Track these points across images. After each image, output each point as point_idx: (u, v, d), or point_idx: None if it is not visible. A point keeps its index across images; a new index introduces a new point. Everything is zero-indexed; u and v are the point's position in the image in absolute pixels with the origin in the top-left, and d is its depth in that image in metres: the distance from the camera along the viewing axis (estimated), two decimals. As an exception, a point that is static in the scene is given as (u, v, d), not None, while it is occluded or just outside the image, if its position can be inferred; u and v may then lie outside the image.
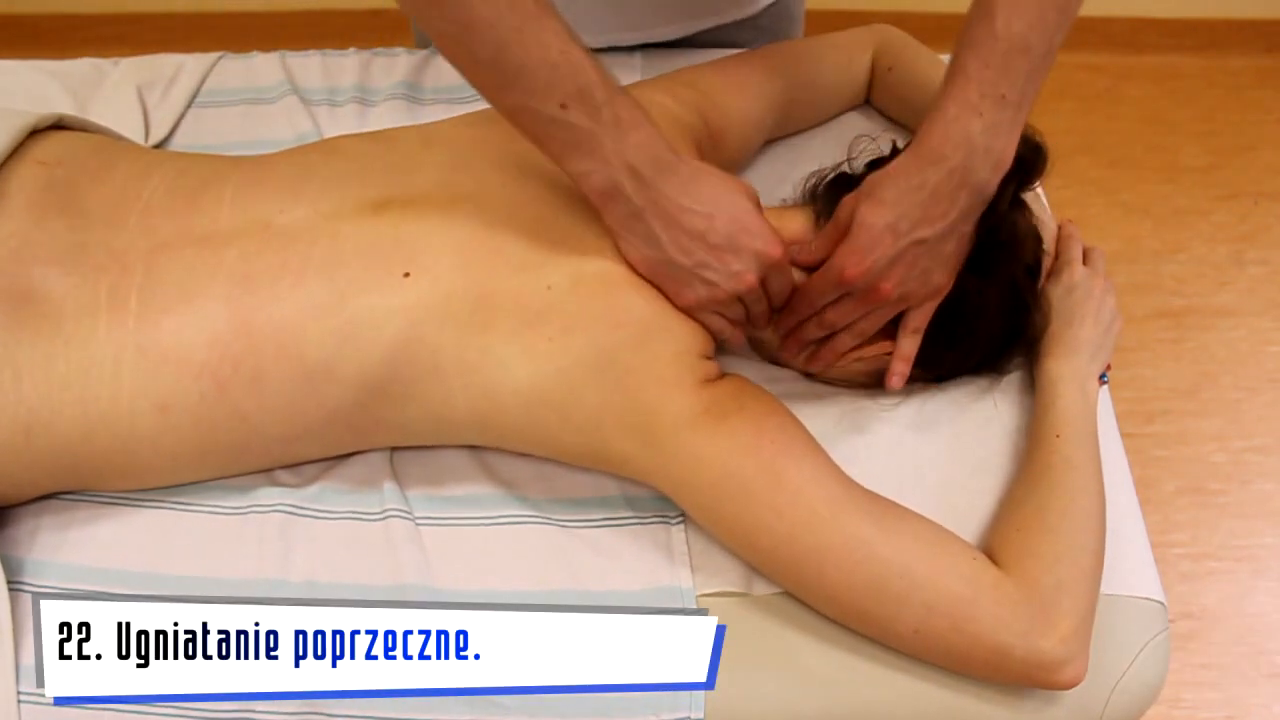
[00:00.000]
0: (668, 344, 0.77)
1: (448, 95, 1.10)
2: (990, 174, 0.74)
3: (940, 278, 0.79)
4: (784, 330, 0.84)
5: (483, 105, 1.07)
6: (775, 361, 0.90)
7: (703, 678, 0.74)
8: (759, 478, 0.73)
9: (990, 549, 0.76)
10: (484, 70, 0.71)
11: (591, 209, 0.77)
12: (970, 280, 0.79)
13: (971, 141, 0.73)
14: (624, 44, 1.13)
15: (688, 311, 0.78)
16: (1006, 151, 0.74)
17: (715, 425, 0.74)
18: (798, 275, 0.81)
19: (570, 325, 0.75)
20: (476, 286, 0.74)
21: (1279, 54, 2.22)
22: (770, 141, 1.04)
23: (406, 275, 0.76)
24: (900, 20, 1.06)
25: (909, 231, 0.75)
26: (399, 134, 0.88)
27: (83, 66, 1.12)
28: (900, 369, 0.82)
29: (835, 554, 0.72)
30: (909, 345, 0.81)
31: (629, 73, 1.11)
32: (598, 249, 0.78)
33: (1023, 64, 0.72)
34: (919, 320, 0.81)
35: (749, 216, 0.75)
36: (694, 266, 0.74)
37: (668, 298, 0.77)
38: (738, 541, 0.77)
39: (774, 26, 1.14)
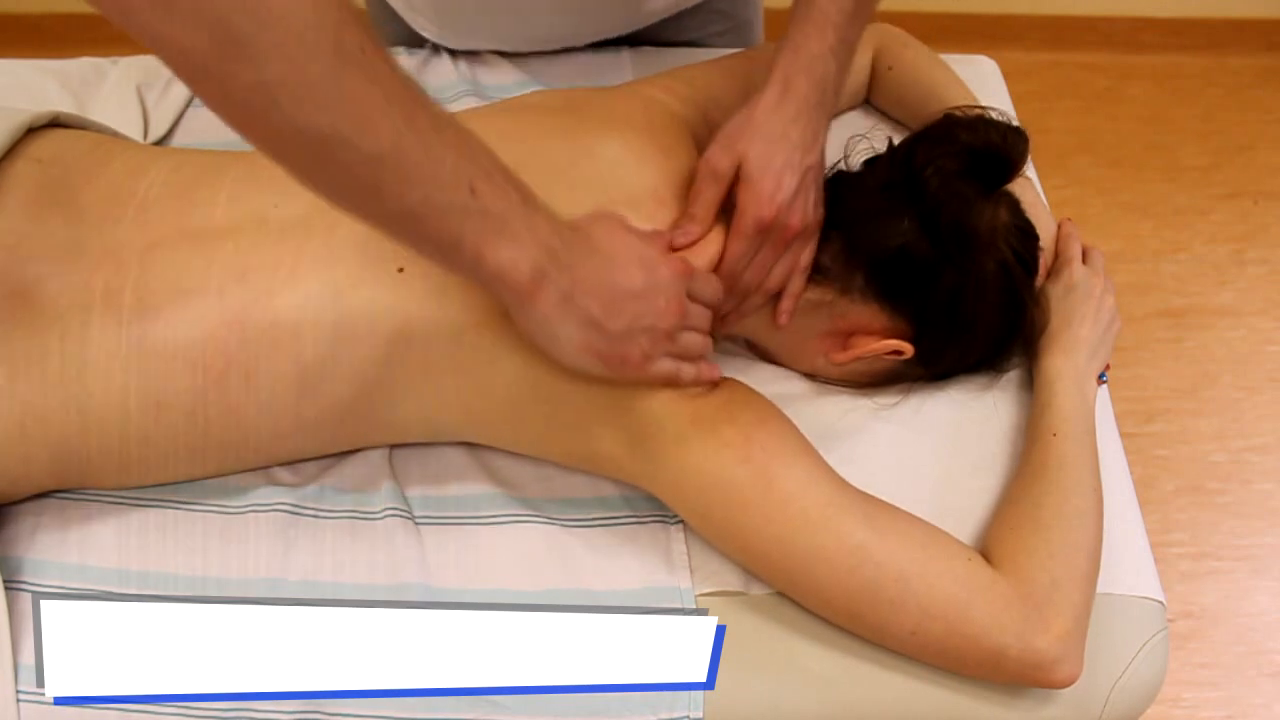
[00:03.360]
0: None
1: (447, 95, 1.10)
2: (836, 96, 0.80)
3: (821, 206, 0.80)
4: (730, 312, 0.83)
5: (479, 103, 1.08)
6: (775, 362, 0.90)
7: (701, 678, 0.74)
8: (749, 486, 0.73)
9: (985, 548, 0.76)
10: (383, 168, 0.60)
11: (599, 204, 0.76)
12: (950, 273, 0.79)
13: (826, 68, 0.78)
14: (579, 44, 1.13)
15: (642, 374, 0.73)
16: (843, 74, 0.80)
17: (703, 435, 0.74)
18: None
19: None
20: (469, 282, 0.74)
21: (1279, 54, 2.22)
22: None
23: (400, 270, 0.76)
24: (899, 20, 1.06)
25: (800, 162, 0.77)
26: None
27: (82, 66, 1.12)
28: (788, 306, 0.83)
29: (828, 559, 0.72)
30: (799, 283, 0.82)
31: (618, 71, 1.12)
32: None
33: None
34: (808, 258, 0.81)
35: (643, 246, 0.73)
36: (630, 324, 0.70)
37: (617, 375, 0.73)
38: (729, 546, 0.77)
39: (732, 11, 1.16)
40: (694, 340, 0.75)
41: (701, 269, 0.77)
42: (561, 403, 0.76)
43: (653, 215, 0.80)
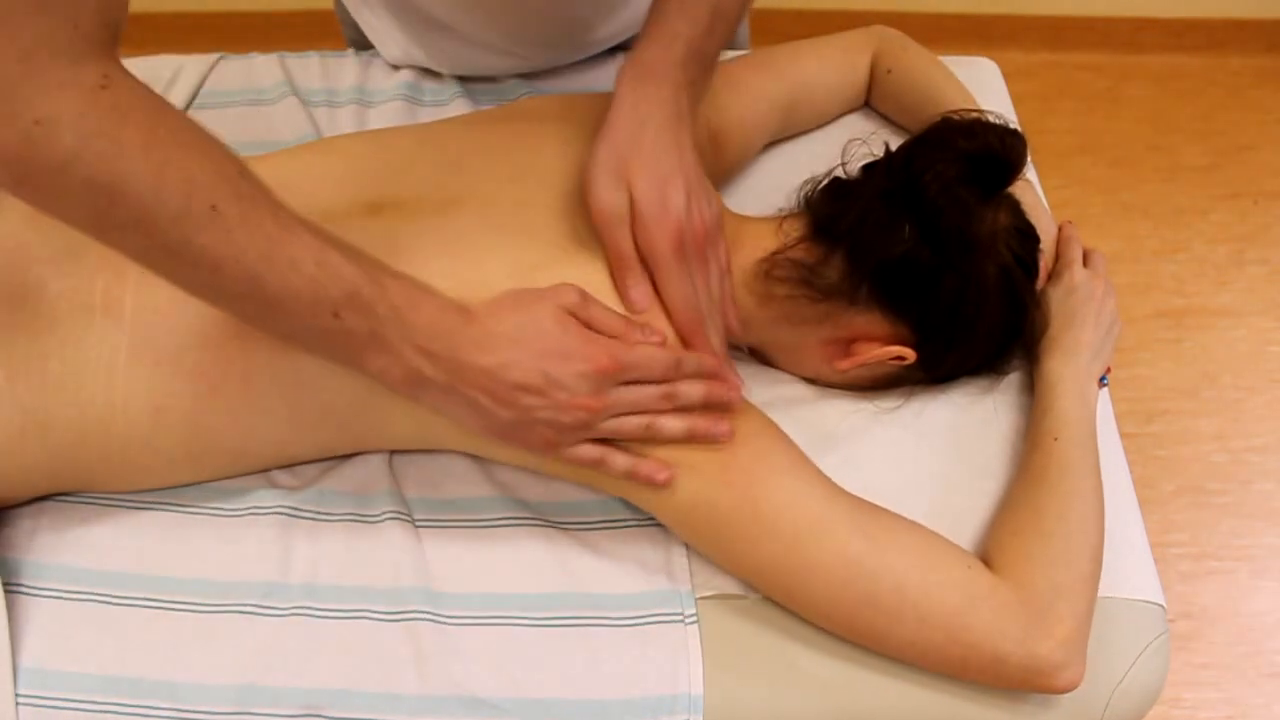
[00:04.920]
0: None
1: (447, 96, 1.10)
2: (701, 69, 0.79)
3: (711, 193, 0.78)
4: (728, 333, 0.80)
5: (482, 106, 1.08)
6: (777, 367, 0.90)
7: (701, 682, 0.74)
8: (734, 510, 0.73)
9: (986, 553, 0.76)
10: (245, 304, 0.66)
11: (584, 212, 0.76)
12: (951, 278, 0.79)
13: (679, 73, 0.77)
14: (564, 63, 1.12)
15: (558, 456, 0.73)
16: (705, 74, 0.79)
17: (683, 466, 0.74)
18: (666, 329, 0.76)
19: None
20: (469, 289, 0.74)
21: (1279, 54, 2.22)
22: (769, 145, 1.03)
23: None
24: (899, 20, 1.06)
25: (677, 164, 0.75)
26: (396, 135, 0.88)
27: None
28: (734, 315, 0.81)
29: (822, 574, 0.72)
30: (729, 285, 0.81)
31: (611, 77, 1.11)
32: (592, 257, 0.77)
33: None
34: (725, 254, 0.80)
35: (559, 339, 0.70)
36: (524, 414, 0.69)
37: (531, 451, 0.74)
38: (724, 565, 0.77)
39: None
40: (625, 425, 0.72)
41: (643, 350, 0.72)
42: None
43: None
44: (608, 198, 0.74)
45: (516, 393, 0.69)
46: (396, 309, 0.66)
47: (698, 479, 0.74)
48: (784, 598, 0.75)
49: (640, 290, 0.75)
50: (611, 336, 0.72)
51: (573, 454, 0.73)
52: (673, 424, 0.73)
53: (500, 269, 0.76)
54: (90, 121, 0.58)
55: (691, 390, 0.73)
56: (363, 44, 1.16)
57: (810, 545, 0.72)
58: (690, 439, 0.73)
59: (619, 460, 0.73)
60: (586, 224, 0.77)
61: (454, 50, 1.07)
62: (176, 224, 0.61)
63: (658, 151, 0.75)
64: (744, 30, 1.22)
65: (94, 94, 0.58)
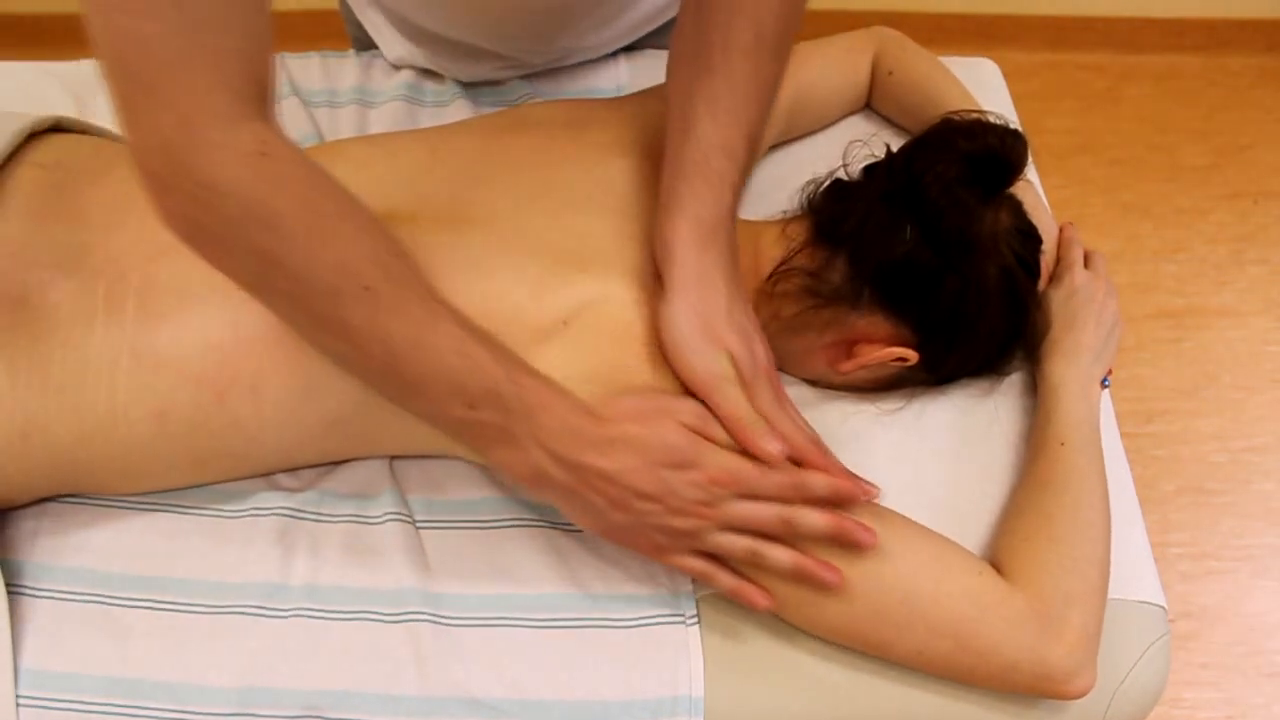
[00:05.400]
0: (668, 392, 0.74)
1: (449, 97, 1.10)
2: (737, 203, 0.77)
3: (750, 316, 0.76)
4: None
5: (485, 110, 1.08)
6: (778, 368, 0.90)
7: (701, 683, 0.74)
8: None
9: (996, 558, 0.76)
10: (383, 382, 0.69)
11: (604, 232, 0.77)
12: (953, 279, 0.79)
13: (729, 219, 0.76)
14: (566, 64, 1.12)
15: (665, 562, 0.73)
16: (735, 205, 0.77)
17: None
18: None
19: (572, 352, 0.74)
20: (479, 305, 0.74)
21: (1279, 54, 2.22)
22: (771, 147, 1.03)
23: None
24: (899, 20, 1.06)
25: (751, 317, 0.75)
26: (406, 142, 0.87)
27: (84, 68, 1.12)
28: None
29: (836, 593, 0.71)
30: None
31: (613, 79, 1.11)
32: (605, 277, 0.77)
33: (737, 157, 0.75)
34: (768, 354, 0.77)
35: (679, 449, 0.69)
36: (639, 519, 0.69)
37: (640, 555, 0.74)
38: None
39: None
40: (732, 544, 0.70)
41: (755, 468, 0.70)
42: None
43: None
44: (709, 364, 0.72)
45: (633, 498, 0.68)
46: (530, 408, 0.67)
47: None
48: (789, 615, 0.75)
49: (776, 443, 0.71)
50: (733, 449, 0.71)
51: (680, 562, 0.72)
52: (780, 556, 0.70)
53: (516, 285, 0.76)
54: (250, 190, 0.60)
55: (813, 522, 0.70)
56: (366, 43, 1.15)
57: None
58: (795, 577, 0.71)
59: (724, 579, 0.72)
60: (600, 238, 0.77)
61: (450, 54, 1.07)
62: (327, 300, 0.64)
63: (733, 309, 0.74)
64: None
65: (253, 161, 0.60)
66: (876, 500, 0.73)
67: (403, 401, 0.70)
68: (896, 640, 0.72)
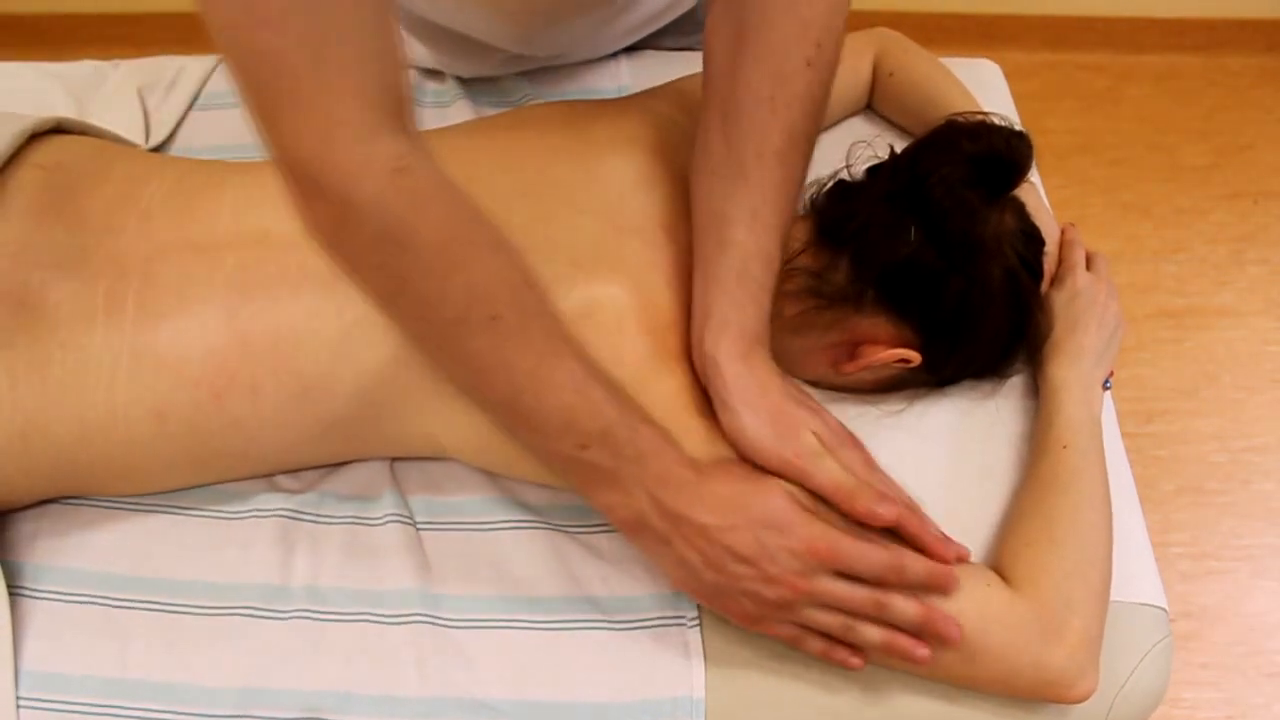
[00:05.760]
0: (663, 394, 0.74)
1: (449, 98, 1.10)
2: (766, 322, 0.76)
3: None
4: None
5: (486, 111, 1.08)
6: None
7: (703, 683, 0.74)
8: None
9: (999, 563, 0.76)
10: (499, 410, 0.69)
11: (605, 232, 0.76)
12: (956, 281, 0.79)
13: (765, 324, 0.76)
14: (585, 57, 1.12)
15: (754, 628, 0.71)
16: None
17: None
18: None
19: None
20: None
21: (1279, 54, 2.22)
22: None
23: None
24: (899, 22, 1.06)
25: (808, 401, 0.75)
26: None
27: (83, 68, 1.12)
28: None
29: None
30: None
31: (614, 78, 1.11)
32: (609, 278, 0.77)
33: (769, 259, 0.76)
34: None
35: (780, 514, 0.68)
36: (730, 581, 0.68)
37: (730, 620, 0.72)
38: None
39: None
40: (826, 621, 0.69)
41: (854, 543, 0.67)
42: None
43: (660, 244, 0.80)
44: (796, 447, 0.71)
45: (727, 558, 0.68)
46: (641, 454, 0.67)
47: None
48: None
49: (886, 504, 0.70)
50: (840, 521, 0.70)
51: (771, 630, 0.71)
52: (873, 634, 0.69)
53: None
54: (387, 209, 0.61)
55: (904, 612, 0.68)
56: None
57: None
58: (888, 653, 0.70)
59: (814, 645, 0.71)
60: (603, 239, 0.77)
61: (450, 48, 1.07)
62: (452, 326, 0.64)
63: (790, 403, 0.74)
64: None
65: (392, 178, 0.60)
66: (968, 559, 0.72)
67: (516, 434, 0.70)
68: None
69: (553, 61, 1.12)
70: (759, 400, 0.72)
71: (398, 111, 0.62)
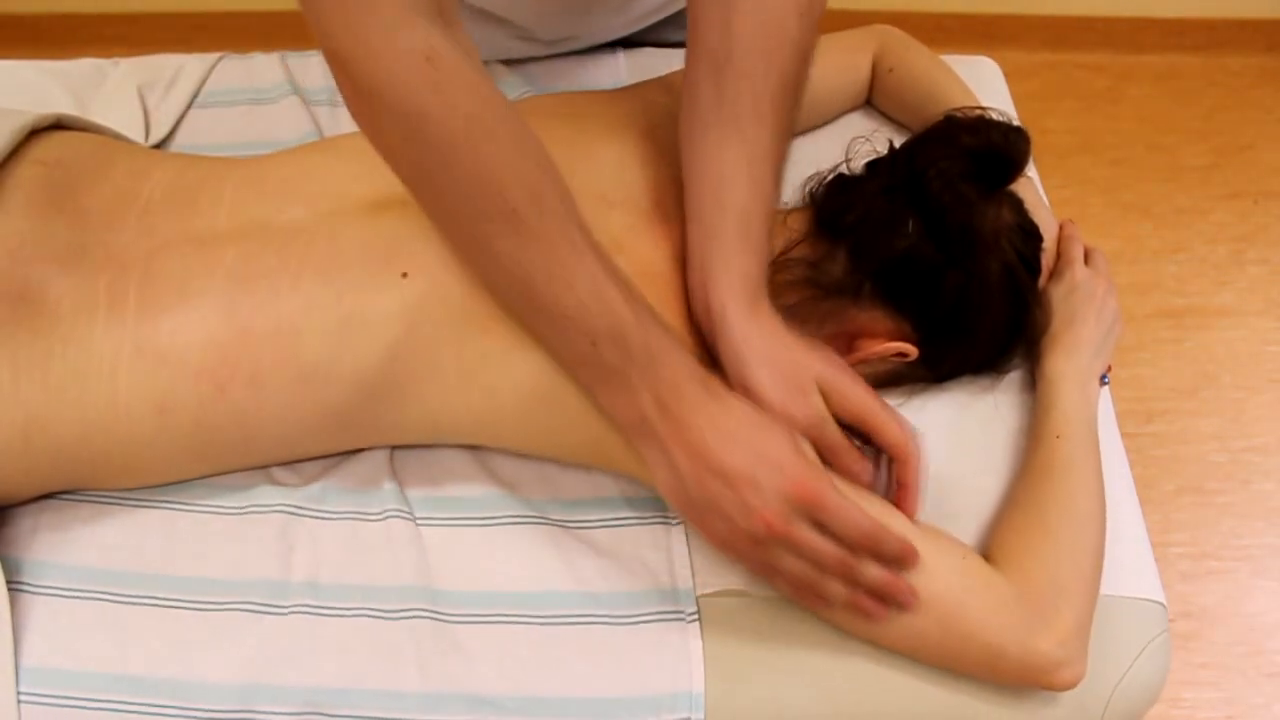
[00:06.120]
0: None
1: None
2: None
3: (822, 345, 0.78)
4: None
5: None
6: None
7: (702, 679, 0.74)
8: None
9: (988, 550, 0.76)
10: (514, 301, 0.71)
11: (596, 207, 0.76)
12: (954, 275, 0.79)
13: (765, 275, 0.77)
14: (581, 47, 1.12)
15: (725, 551, 0.72)
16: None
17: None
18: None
19: None
20: (475, 288, 0.74)
21: (1279, 54, 2.22)
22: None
23: (404, 275, 0.76)
24: (899, 20, 1.06)
25: (818, 348, 0.76)
26: None
27: (83, 67, 1.12)
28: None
29: None
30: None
31: (612, 72, 1.11)
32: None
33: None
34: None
35: (779, 451, 0.69)
36: (709, 499, 0.69)
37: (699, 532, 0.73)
38: None
39: None
40: (792, 566, 0.70)
41: (841, 501, 0.68)
42: (574, 406, 0.76)
43: (651, 220, 0.80)
44: (806, 410, 0.73)
45: (713, 476, 0.68)
46: (652, 356, 0.68)
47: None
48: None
49: (866, 464, 0.74)
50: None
51: (742, 558, 0.72)
52: (838, 590, 0.70)
53: None
54: (411, 95, 0.62)
55: (871, 578, 0.70)
56: None
57: None
58: (849, 609, 0.71)
59: (781, 585, 0.72)
60: (593, 212, 0.77)
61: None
62: (472, 218, 0.66)
63: (797, 353, 0.74)
64: None
65: (419, 67, 0.62)
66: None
67: (531, 327, 0.72)
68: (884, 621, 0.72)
69: (557, 48, 1.12)
70: (769, 354, 0.73)
71: (435, 6, 0.63)
